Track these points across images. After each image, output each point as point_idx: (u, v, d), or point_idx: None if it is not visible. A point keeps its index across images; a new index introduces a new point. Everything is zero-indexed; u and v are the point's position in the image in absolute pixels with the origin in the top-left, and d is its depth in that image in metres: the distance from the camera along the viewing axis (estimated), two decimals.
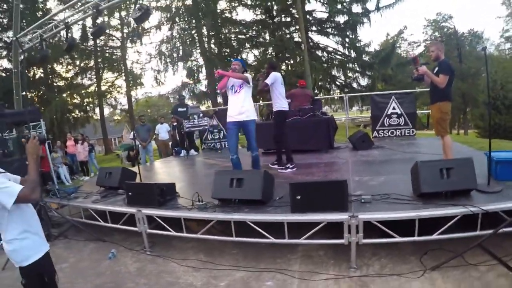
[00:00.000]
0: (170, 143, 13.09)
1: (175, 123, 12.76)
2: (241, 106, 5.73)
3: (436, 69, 5.12)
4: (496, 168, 4.40)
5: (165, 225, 4.55)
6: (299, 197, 3.91)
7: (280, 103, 6.57)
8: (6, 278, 4.39)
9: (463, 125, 36.77)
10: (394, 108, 10.38)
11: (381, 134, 10.48)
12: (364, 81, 24.86)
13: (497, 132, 21.83)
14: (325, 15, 23.98)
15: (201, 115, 10.39)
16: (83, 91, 25.77)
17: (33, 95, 22.71)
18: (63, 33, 10.07)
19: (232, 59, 6.16)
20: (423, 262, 3.65)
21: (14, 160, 7.92)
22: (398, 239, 3.64)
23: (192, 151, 10.68)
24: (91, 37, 13.45)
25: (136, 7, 7.59)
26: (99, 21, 9.34)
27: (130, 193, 5.01)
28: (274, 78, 6.43)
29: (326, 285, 3.55)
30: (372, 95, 11.23)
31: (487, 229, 3.43)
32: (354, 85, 24.59)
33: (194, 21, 22.26)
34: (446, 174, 3.91)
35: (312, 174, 6.17)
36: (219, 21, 22.78)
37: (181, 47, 23.48)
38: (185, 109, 10.48)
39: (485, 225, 3.49)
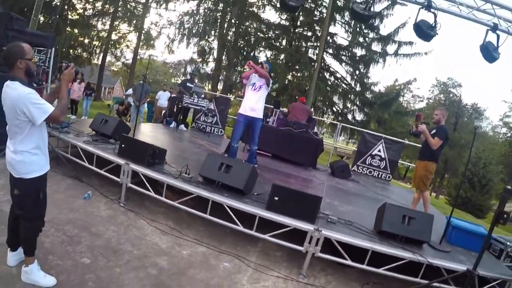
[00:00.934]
0: (163, 112, 13.30)
1: (173, 95, 12.96)
2: (255, 103, 6.29)
3: (434, 131, 5.64)
4: (452, 232, 4.86)
5: (147, 184, 4.81)
6: (277, 198, 4.29)
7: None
8: None
9: (437, 189, 37.71)
10: (379, 151, 10.78)
11: (359, 170, 10.87)
12: (359, 116, 25.41)
13: (465, 205, 22.58)
14: (344, 42, 24.37)
15: (202, 95, 10.60)
16: (93, 34, 25.52)
17: (45, 19, 22.43)
18: None
19: (260, 60, 6.60)
20: None
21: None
22: (349, 262, 4.09)
23: (182, 126, 10.89)
24: None
25: None
26: None
27: (123, 145, 5.24)
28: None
29: (275, 282, 3.95)
30: (364, 132, 11.62)
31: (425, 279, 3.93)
32: (349, 116, 25.02)
33: (221, 4, 22.47)
34: (407, 221, 4.37)
35: (290, 184, 6.51)
36: (245, 13, 22.95)
37: (202, 25, 23.54)
38: (192, 85, 10.67)
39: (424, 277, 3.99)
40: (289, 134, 8.84)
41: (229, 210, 4.35)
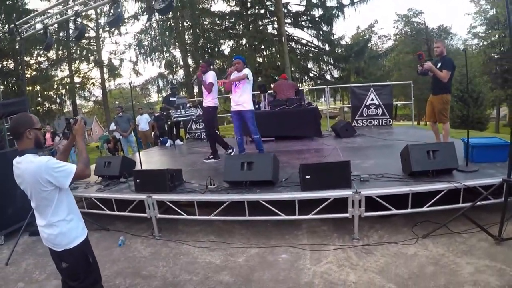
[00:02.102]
0: (152, 134, 13.13)
1: (156, 114, 12.82)
2: (239, 97, 6.40)
3: (440, 64, 5.66)
4: (473, 151, 4.97)
5: (177, 209, 4.74)
6: (308, 177, 4.27)
7: (215, 99, 7.16)
8: (12, 272, 4.36)
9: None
10: (372, 99, 10.87)
11: (359, 124, 10.95)
12: (336, 73, 25.44)
13: (464, 123, 22.89)
14: (299, 8, 24.29)
15: (187, 105, 10.46)
16: (55, 84, 25.02)
17: (5, 87, 22.05)
18: (37, 29, 9.80)
19: (234, 57, 6.57)
20: (415, 232, 4.21)
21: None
22: (395, 211, 4.17)
23: (178, 141, 10.80)
24: (75, 40, 13.00)
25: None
26: (78, 23, 9.09)
27: (138, 180, 5.13)
28: (214, 76, 7.01)
29: (335, 254, 3.95)
30: (351, 87, 11.62)
31: (467, 202, 4.01)
32: (328, 77, 25.08)
33: (171, 12, 22.06)
34: (433, 155, 4.47)
35: (306, 159, 6.53)
36: (196, 11, 22.63)
37: (159, 37, 23.23)
38: (175, 99, 10.53)
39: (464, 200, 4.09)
40: (285, 112, 8.80)
41: (266, 204, 4.32)
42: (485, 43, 34.13)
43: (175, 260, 4.23)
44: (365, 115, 10.94)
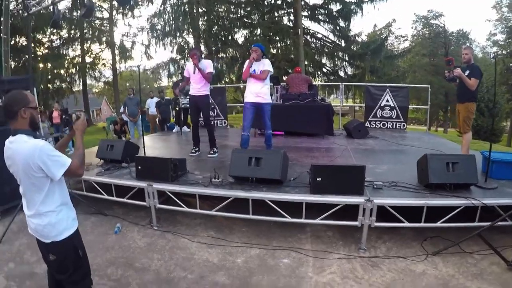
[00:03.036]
0: (157, 119, 12.92)
1: (157, 99, 12.57)
2: (260, 89, 6.02)
3: (468, 72, 5.55)
4: (492, 167, 4.68)
5: (177, 200, 4.53)
6: (319, 179, 4.02)
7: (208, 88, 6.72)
8: (4, 251, 4.22)
9: (443, 123, 37.54)
10: (387, 101, 10.55)
11: (372, 125, 10.64)
12: (351, 71, 25.03)
13: (478, 134, 22.37)
14: (317, 1, 23.78)
15: None
16: (66, 62, 25.02)
17: (16, 63, 21.90)
18: (46, 5, 9.60)
19: (253, 45, 6.19)
20: (424, 247, 3.97)
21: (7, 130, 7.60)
22: (407, 224, 3.91)
23: (185, 128, 10.57)
24: (83, 18, 12.78)
25: None
26: (86, 1, 8.88)
27: (139, 167, 4.92)
28: (211, 64, 6.61)
29: (340, 264, 3.72)
30: (367, 85, 11.31)
31: (482, 221, 3.77)
32: (341, 73, 24.64)
33: None
34: (452, 168, 4.20)
35: (317, 158, 6.32)
36: None
37: (173, 22, 22.96)
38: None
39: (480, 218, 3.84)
40: (297, 107, 8.53)
41: (272, 204, 4.09)
42: (504, 52, 33.44)
43: (171, 254, 4.03)
44: (378, 117, 10.64)
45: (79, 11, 22.80)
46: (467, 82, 5.49)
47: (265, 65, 6.02)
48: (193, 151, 6.87)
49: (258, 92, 6.02)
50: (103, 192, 5.12)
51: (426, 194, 4.08)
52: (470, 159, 4.34)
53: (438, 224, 3.87)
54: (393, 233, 4.28)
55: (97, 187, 5.17)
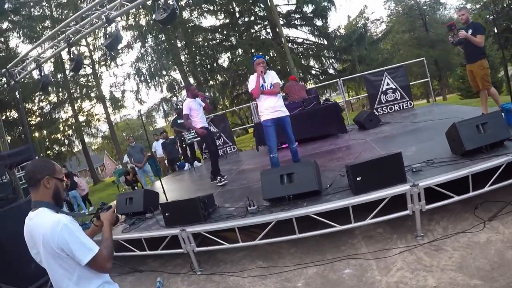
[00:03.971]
0: (165, 160, 12.74)
1: (162, 140, 12.43)
2: (275, 102, 5.66)
3: (470, 31, 5.55)
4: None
5: (216, 239, 4.28)
6: (359, 178, 3.80)
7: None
8: None
9: (441, 91, 37.45)
10: (388, 84, 10.41)
11: (380, 112, 10.44)
12: (339, 66, 25.03)
13: (477, 93, 22.07)
14: (290, 8, 24.00)
15: None
16: (61, 126, 25.06)
17: (12, 137, 22.00)
18: (31, 69, 9.56)
19: (254, 57, 5.89)
20: (478, 216, 3.78)
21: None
22: (457, 197, 3.71)
23: (196, 163, 10.37)
24: (72, 72, 12.71)
25: (160, 8, 7.11)
26: (73, 55, 8.86)
27: (167, 214, 4.69)
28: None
29: (403, 258, 3.52)
30: (364, 75, 11.15)
31: None
32: (331, 71, 24.67)
33: (163, 34, 21.96)
34: (483, 129, 4.07)
35: (342, 159, 6.10)
36: (189, 30, 22.46)
37: (156, 62, 23.06)
38: None
39: None
40: (305, 113, 8.36)
41: (317, 217, 3.85)
42: (478, 6, 33.56)
43: None
44: (384, 102, 10.46)
45: (63, 72, 23.05)
46: (475, 40, 5.46)
47: (274, 77, 5.72)
48: (222, 179, 6.74)
49: (274, 106, 5.64)
50: (133, 249, 4.84)
51: (466, 163, 3.91)
52: (496, 115, 4.24)
53: (486, 188, 3.67)
54: (443, 211, 4.06)
55: (126, 244, 4.91)
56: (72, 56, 8.45)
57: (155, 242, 4.66)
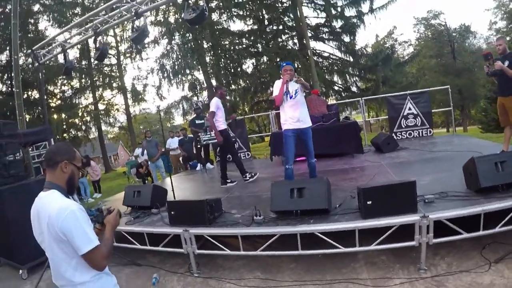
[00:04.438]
0: (180, 157, 12.79)
1: (180, 136, 12.51)
2: (300, 112, 5.46)
3: (507, 62, 5.35)
4: None
5: (218, 244, 4.27)
6: (370, 202, 3.74)
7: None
8: None
9: (462, 122, 36.91)
10: (410, 109, 10.29)
11: (399, 136, 10.31)
12: (362, 85, 24.92)
13: (498, 128, 21.67)
14: (319, 20, 23.98)
15: None
16: (80, 111, 25.36)
17: (31, 116, 22.36)
18: (56, 53, 9.70)
19: (283, 63, 5.65)
20: (485, 256, 3.68)
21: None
22: (466, 235, 3.60)
23: (208, 165, 10.39)
24: (96, 61, 12.89)
25: (190, 7, 7.18)
26: (98, 44, 8.97)
27: (172, 212, 4.68)
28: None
29: None
30: (387, 97, 11.03)
31: None
32: (354, 89, 24.54)
33: (190, 34, 22.16)
34: (501, 167, 3.93)
35: (355, 180, 6.00)
36: (216, 32, 22.60)
37: (181, 60, 23.24)
38: (202, 121, 10.18)
39: None
40: (323, 129, 8.26)
41: (322, 236, 3.79)
42: (508, 38, 33.07)
43: None
44: (403, 126, 10.33)
45: (88, 60, 23.35)
46: (511, 73, 5.28)
47: (299, 85, 5.46)
48: (249, 176, 7.08)
49: (297, 116, 5.41)
50: (135, 242, 4.86)
51: (480, 200, 3.79)
52: None
53: (497, 229, 3.56)
54: (450, 247, 3.97)
55: (128, 236, 4.92)
56: (97, 46, 8.54)
57: (157, 238, 4.65)
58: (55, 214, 1.83)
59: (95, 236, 1.90)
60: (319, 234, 3.78)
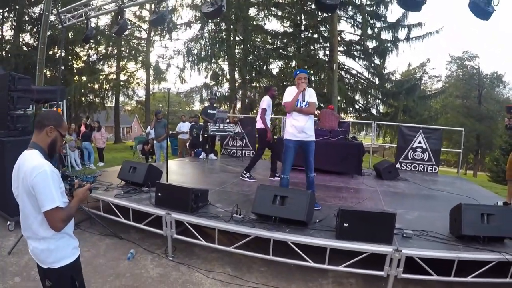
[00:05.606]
0: (187, 143, 12.93)
1: (192, 122, 12.65)
2: (305, 123, 5.29)
3: None
4: None
5: (195, 233, 4.37)
6: (346, 224, 3.80)
7: None
8: (12, 264, 4.20)
9: (473, 166, 36.54)
10: (420, 142, 10.23)
11: (403, 167, 10.29)
12: (383, 109, 24.80)
13: (506, 180, 21.40)
14: (353, 37, 23.89)
15: (227, 120, 10.17)
16: (101, 78, 25.40)
17: (51, 73, 22.51)
18: (80, 19, 9.84)
19: (297, 70, 5.51)
20: None
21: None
22: (436, 277, 3.65)
23: (212, 155, 10.48)
24: (114, 35, 13.01)
25: (209, 1, 7.28)
26: (119, 19, 9.06)
27: (159, 194, 4.81)
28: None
29: None
30: (400, 126, 10.99)
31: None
32: (373, 111, 24.40)
33: (224, 24, 22.28)
34: (487, 219, 3.96)
35: (345, 199, 6.08)
36: (250, 27, 22.65)
37: (209, 48, 23.33)
38: (214, 111, 10.27)
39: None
40: (328, 144, 8.26)
41: (294, 247, 3.87)
42: None
43: None
44: (410, 158, 10.29)
45: (113, 29, 23.48)
46: None
47: (311, 95, 5.33)
48: (247, 176, 7.36)
49: (303, 127, 5.25)
50: (120, 215, 5.02)
51: (458, 246, 3.83)
52: (506, 211, 4.14)
53: (469, 279, 3.62)
54: (419, 284, 3.99)
55: (115, 209, 5.08)
56: (118, 20, 8.67)
57: (141, 216, 4.80)
58: (30, 170, 2.00)
59: (60, 198, 2.05)
60: (291, 244, 3.86)
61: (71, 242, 2.25)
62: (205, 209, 4.80)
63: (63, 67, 21.56)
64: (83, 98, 24.87)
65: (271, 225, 4.18)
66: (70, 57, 24.16)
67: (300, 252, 3.85)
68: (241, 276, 4.13)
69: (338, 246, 3.76)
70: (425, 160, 10.20)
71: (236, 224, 4.24)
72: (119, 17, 8.58)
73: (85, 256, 4.40)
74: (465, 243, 3.88)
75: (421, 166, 10.23)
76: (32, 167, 2.01)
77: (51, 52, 20.92)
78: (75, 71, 25.02)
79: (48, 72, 21.01)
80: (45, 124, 2.16)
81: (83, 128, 14.26)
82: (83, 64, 25.84)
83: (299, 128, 5.26)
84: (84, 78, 24.22)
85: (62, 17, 9.44)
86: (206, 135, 10.17)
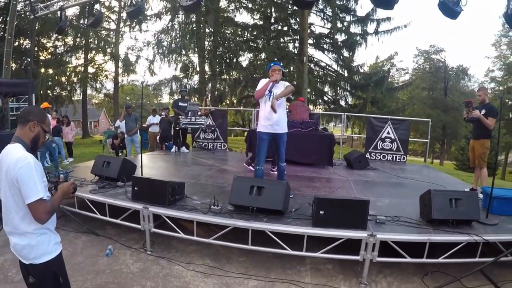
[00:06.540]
0: (157, 137, 12.81)
1: (162, 115, 12.50)
2: (279, 116, 5.34)
3: (484, 111, 5.84)
4: (493, 203, 4.73)
5: (174, 226, 4.38)
6: (322, 212, 3.92)
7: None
8: None
9: (440, 155, 37.80)
10: (388, 133, 10.55)
11: (373, 156, 10.58)
12: (352, 101, 25.25)
13: (471, 168, 22.29)
14: (323, 31, 24.14)
15: (199, 113, 10.13)
16: (68, 70, 24.69)
17: (17, 66, 21.79)
18: (53, 10, 9.59)
19: (271, 63, 5.54)
20: (425, 282, 3.93)
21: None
22: (409, 259, 3.87)
23: (184, 148, 10.43)
24: (90, 27, 12.66)
25: None
26: (95, 11, 8.92)
27: (136, 188, 4.78)
28: None
29: None
30: (369, 117, 11.25)
31: (482, 256, 3.85)
32: (342, 103, 24.80)
33: (194, 16, 21.99)
34: (455, 204, 4.20)
35: (318, 189, 6.22)
36: (220, 19, 22.48)
37: (179, 40, 23.04)
38: (185, 104, 10.20)
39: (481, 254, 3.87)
40: (299, 135, 8.36)
41: (272, 236, 3.96)
42: (501, 88, 33.87)
43: (165, 282, 3.85)
44: (379, 148, 10.59)
45: (86, 20, 22.85)
46: (486, 122, 5.76)
47: (280, 88, 5.32)
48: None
49: (276, 120, 5.32)
50: (96, 211, 4.94)
51: (429, 230, 4.07)
52: (472, 195, 4.42)
53: (440, 260, 3.85)
54: (394, 267, 4.20)
55: (90, 205, 5.00)
56: (94, 12, 8.54)
57: (117, 211, 4.75)
58: (13, 162, 2.03)
59: (45, 190, 2.08)
60: (269, 233, 3.94)
61: (52, 237, 2.25)
62: (182, 202, 4.81)
63: (28, 59, 20.83)
64: (50, 92, 24.02)
65: (249, 216, 4.25)
66: (36, 49, 23.26)
67: (279, 241, 3.94)
68: (221, 267, 4.19)
69: (315, 233, 3.89)
70: (394, 150, 10.52)
71: (214, 215, 4.28)
72: (94, 8, 8.44)
73: (64, 255, 4.30)
74: (435, 227, 4.11)
75: (390, 156, 10.55)
76: (16, 160, 2.03)
77: (16, 44, 20.12)
78: (41, 63, 24.21)
79: (14, 65, 20.21)
80: (29, 119, 2.18)
81: (53, 122, 13.84)
82: (50, 56, 25.00)
83: (271, 119, 5.32)
84: (51, 70, 23.45)
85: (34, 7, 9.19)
86: (178, 128, 10.11)
